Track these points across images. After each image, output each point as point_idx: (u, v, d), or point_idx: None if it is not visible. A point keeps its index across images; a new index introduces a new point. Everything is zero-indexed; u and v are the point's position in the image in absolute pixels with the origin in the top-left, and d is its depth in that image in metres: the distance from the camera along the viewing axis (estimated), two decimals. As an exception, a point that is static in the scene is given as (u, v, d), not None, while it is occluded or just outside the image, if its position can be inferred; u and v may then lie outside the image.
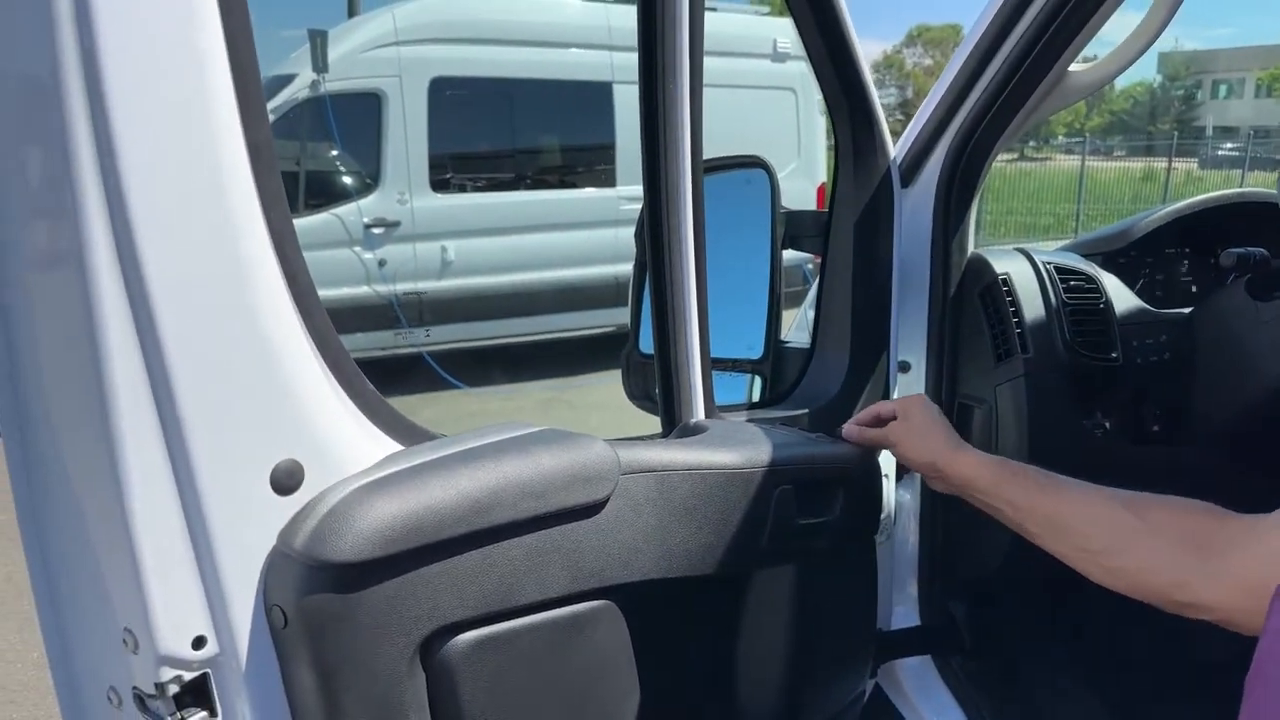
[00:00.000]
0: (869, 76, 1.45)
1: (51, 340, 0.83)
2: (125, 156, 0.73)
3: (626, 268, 7.57)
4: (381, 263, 6.81)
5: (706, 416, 1.25)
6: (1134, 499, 1.05)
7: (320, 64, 6.50)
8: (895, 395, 1.61)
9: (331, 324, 0.88)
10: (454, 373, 6.71)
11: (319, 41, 6.52)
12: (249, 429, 0.82)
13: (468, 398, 6.77)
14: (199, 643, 0.83)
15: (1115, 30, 1.51)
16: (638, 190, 1.21)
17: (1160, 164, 22.40)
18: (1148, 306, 1.70)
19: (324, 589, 0.83)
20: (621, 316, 7.57)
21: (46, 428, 0.86)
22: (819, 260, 1.60)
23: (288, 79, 6.66)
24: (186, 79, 0.76)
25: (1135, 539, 1.00)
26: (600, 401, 6.77)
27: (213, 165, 0.78)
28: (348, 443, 0.90)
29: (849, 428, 1.31)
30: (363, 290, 6.72)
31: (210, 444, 0.80)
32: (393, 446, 0.95)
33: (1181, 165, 24.12)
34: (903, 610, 1.69)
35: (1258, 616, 0.82)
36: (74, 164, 0.73)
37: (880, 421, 1.29)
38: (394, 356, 6.80)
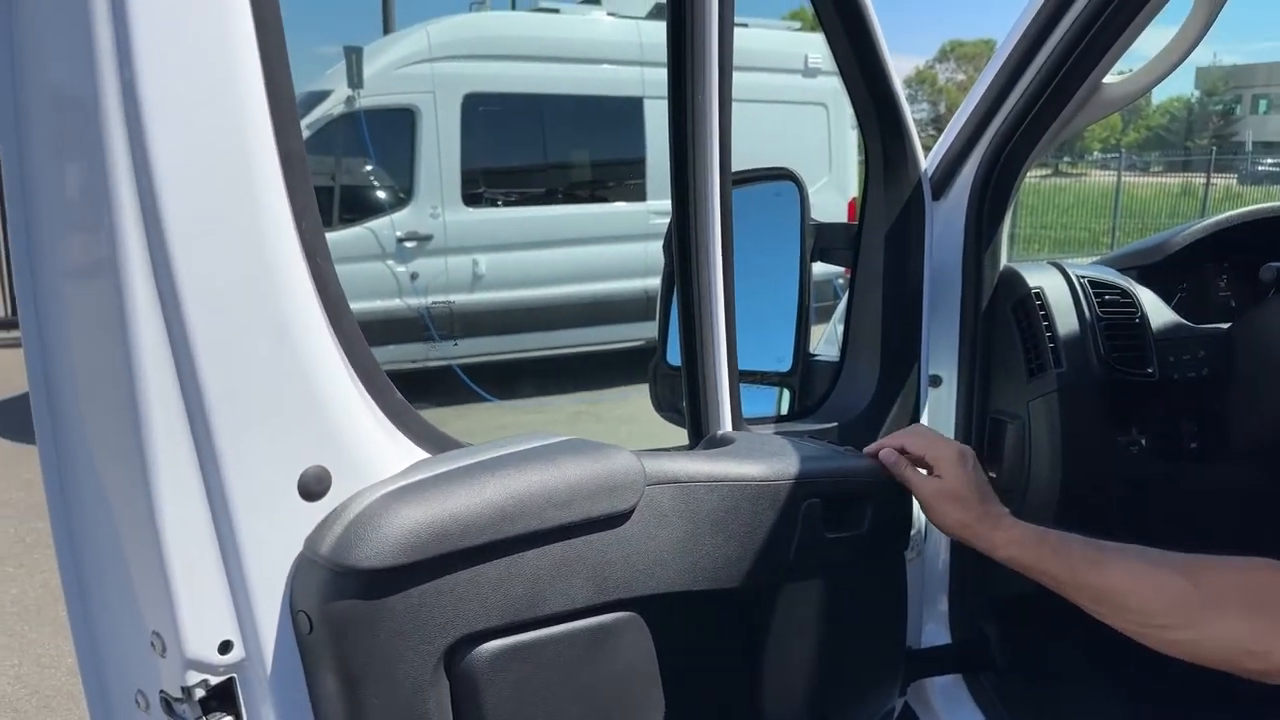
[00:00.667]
0: (900, 90, 1.45)
1: (85, 348, 0.84)
2: (159, 167, 0.75)
3: (657, 281, 7.60)
4: (413, 276, 6.89)
5: (734, 428, 1.24)
6: (1189, 563, 0.99)
7: (355, 80, 6.60)
8: (925, 410, 1.59)
9: (360, 332, 0.89)
10: (484, 385, 6.75)
11: (354, 58, 6.63)
12: (277, 435, 0.83)
13: (497, 410, 6.80)
14: (225, 647, 0.83)
15: (1150, 43, 1.49)
16: (668, 204, 1.21)
17: (1198, 179, 22.10)
18: (1185, 321, 1.68)
19: (349, 595, 0.84)
20: (652, 330, 7.60)
21: (79, 434, 0.87)
22: (849, 274, 1.59)
23: (324, 94, 6.76)
24: (220, 90, 0.77)
25: (1197, 608, 0.96)
26: (629, 415, 6.76)
27: (245, 175, 0.79)
28: (375, 450, 0.90)
29: (886, 454, 1.22)
30: (395, 303, 6.79)
31: (239, 450, 0.81)
32: (419, 454, 0.95)
33: (1220, 181, 23.78)
34: (933, 628, 1.67)
35: None
36: (110, 174, 0.75)
37: (908, 457, 1.22)
38: (425, 369, 6.86)
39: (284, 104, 0.80)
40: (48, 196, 0.82)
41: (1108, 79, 1.46)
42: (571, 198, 7.95)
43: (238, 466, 0.81)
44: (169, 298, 0.77)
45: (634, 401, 7.03)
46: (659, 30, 1.22)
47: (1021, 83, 1.45)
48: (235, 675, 0.84)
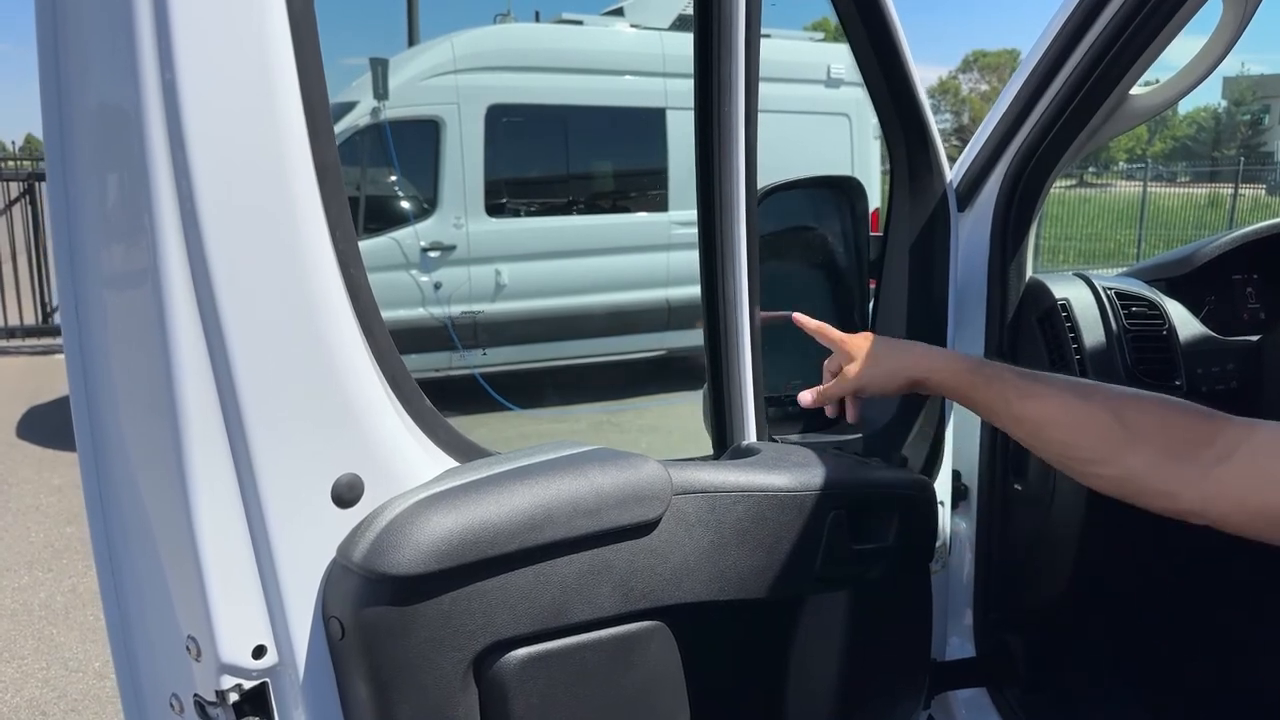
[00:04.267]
0: (925, 100, 1.45)
1: (124, 355, 0.86)
2: (199, 177, 0.76)
3: (677, 291, 7.61)
4: (437, 285, 6.93)
5: (759, 439, 1.24)
6: (1117, 400, 1.01)
7: (381, 91, 6.66)
8: (950, 421, 1.59)
9: (391, 341, 0.90)
10: (506, 395, 6.77)
11: (380, 69, 6.69)
12: (311, 443, 0.84)
13: (520, 419, 6.82)
14: (259, 652, 0.84)
15: (1178, 54, 1.49)
16: (690, 215, 1.22)
17: (1226, 190, 21.87)
18: (1213, 334, 1.66)
19: (381, 601, 0.85)
20: (672, 340, 7.61)
21: (117, 439, 0.88)
22: (874, 284, 1.59)
23: (350, 106, 6.83)
24: (258, 101, 0.78)
25: (1120, 446, 0.98)
26: (651, 424, 6.77)
27: (282, 186, 0.80)
28: (406, 458, 0.91)
29: (805, 395, 1.28)
30: (418, 313, 6.83)
31: (274, 457, 0.82)
32: (449, 462, 0.96)
33: (1249, 191, 23.56)
34: (958, 641, 1.66)
35: (1251, 528, 0.84)
36: (150, 185, 0.76)
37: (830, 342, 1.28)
38: (448, 378, 6.90)
39: (319, 116, 0.82)
40: (89, 206, 0.84)
41: (1135, 90, 1.46)
42: (594, 208, 7.97)
43: (272, 473, 0.82)
44: (206, 306, 0.78)
45: (656, 411, 7.05)
46: (682, 41, 1.23)
47: (1047, 94, 1.44)
48: (268, 680, 0.85)
